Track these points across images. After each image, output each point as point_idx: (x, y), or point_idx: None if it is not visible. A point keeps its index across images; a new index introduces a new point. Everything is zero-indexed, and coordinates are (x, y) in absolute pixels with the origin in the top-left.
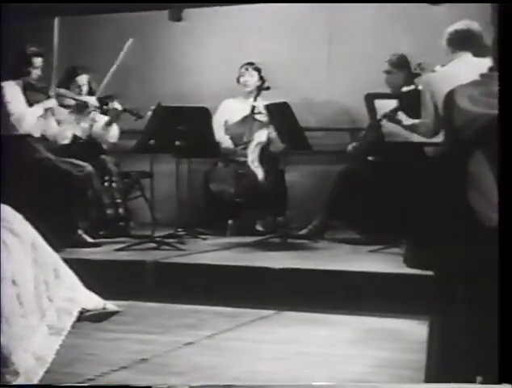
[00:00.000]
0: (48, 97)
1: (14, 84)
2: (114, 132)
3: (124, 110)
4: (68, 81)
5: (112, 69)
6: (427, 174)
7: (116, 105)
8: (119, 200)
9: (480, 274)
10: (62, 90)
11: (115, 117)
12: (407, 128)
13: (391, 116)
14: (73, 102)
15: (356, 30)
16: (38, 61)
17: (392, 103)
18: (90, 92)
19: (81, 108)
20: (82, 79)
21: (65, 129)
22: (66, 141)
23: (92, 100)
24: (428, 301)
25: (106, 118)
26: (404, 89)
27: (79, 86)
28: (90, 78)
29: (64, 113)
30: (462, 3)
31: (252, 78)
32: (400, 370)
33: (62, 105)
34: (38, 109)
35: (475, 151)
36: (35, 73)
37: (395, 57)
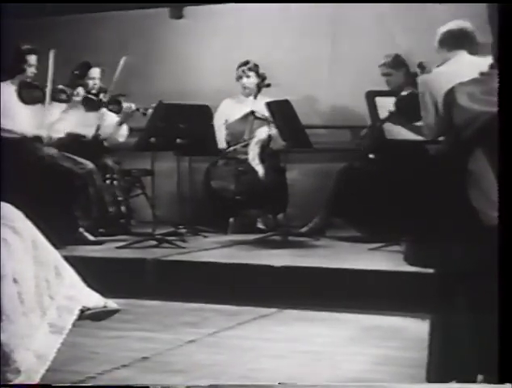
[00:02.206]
0: (44, 94)
1: (9, 83)
2: (124, 131)
3: (137, 109)
4: (81, 74)
5: (116, 75)
6: (428, 172)
7: (129, 104)
8: (120, 198)
9: (481, 272)
10: (60, 86)
11: (126, 117)
12: (411, 129)
13: (392, 118)
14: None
15: (358, 28)
16: (32, 58)
17: (393, 101)
18: (101, 89)
19: (89, 103)
20: (96, 72)
21: (59, 123)
22: (60, 135)
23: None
24: (429, 299)
25: (114, 116)
26: (402, 93)
27: (93, 78)
28: (103, 71)
29: (59, 108)
30: (463, 3)
31: (250, 79)
32: (401, 368)
33: (57, 100)
34: (33, 108)
35: (475, 149)
36: (31, 71)
37: (390, 59)
